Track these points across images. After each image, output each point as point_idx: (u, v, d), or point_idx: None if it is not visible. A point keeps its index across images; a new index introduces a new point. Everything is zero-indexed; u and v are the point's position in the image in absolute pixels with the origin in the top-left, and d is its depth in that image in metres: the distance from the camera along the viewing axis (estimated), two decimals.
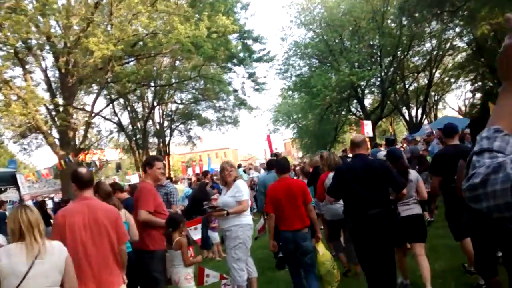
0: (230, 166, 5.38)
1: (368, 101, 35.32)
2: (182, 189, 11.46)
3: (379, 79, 31.98)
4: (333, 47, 28.23)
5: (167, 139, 30.72)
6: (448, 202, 5.05)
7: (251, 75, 19.09)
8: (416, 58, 33.51)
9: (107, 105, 20.86)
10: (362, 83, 29.08)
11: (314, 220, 5.14)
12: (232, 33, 16.17)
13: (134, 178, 20.76)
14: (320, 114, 31.22)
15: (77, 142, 17.11)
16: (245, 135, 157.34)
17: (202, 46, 14.36)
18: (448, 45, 31.32)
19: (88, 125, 17.14)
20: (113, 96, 22.93)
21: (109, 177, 39.25)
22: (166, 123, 30.45)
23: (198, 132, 32.83)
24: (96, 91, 22.60)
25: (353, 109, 36.07)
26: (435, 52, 31.16)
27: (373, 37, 26.02)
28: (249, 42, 18.26)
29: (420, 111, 34.39)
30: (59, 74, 15.55)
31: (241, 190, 5.14)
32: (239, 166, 16.27)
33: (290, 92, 32.31)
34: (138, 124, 26.80)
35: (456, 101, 76.90)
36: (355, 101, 32.64)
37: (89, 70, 15.24)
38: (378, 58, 27.33)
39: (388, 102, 32.73)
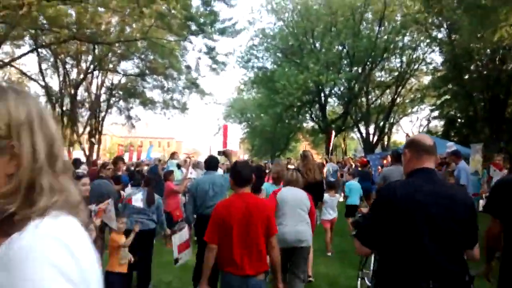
0: None
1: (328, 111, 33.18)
2: None
3: (343, 87, 30.15)
4: (303, 42, 25.73)
5: (101, 114, 26.85)
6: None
7: (210, 50, 15.78)
8: (382, 73, 32.10)
9: (25, 54, 16.42)
10: (327, 88, 26.88)
11: (276, 262, 3.56)
12: None
13: None
14: (278, 115, 28.75)
15: None
16: (193, 127, 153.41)
17: None
18: (418, 64, 30.00)
19: None
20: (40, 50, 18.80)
21: None
22: (103, 97, 26.58)
23: (140, 114, 29.16)
24: (27, 43, 18.53)
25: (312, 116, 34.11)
26: (403, 69, 29.71)
27: (347, 38, 23.68)
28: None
29: (376, 130, 33.01)
30: None
31: None
32: (173, 155, 11.71)
33: (248, 85, 29.48)
34: (70, 91, 22.72)
35: (410, 127, 77.08)
36: (317, 106, 30.39)
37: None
38: (349, 63, 25.15)
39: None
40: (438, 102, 32.76)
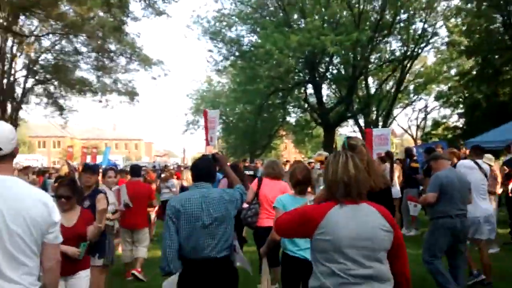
0: None
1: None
2: None
3: (340, 69, 23.78)
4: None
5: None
6: None
7: None
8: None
9: None
10: (326, 58, 19.93)
11: None
12: None
13: None
14: (259, 104, 21.88)
15: None
16: (165, 127, 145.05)
17: None
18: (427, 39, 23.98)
19: None
20: None
21: None
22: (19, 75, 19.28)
23: (74, 101, 21.57)
24: None
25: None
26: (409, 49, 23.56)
27: None
28: None
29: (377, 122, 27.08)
30: None
31: None
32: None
33: (219, 65, 22.16)
34: None
35: (405, 120, 70.24)
36: (309, 88, 23.36)
37: None
38: (355, 24, 18.28)
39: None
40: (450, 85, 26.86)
